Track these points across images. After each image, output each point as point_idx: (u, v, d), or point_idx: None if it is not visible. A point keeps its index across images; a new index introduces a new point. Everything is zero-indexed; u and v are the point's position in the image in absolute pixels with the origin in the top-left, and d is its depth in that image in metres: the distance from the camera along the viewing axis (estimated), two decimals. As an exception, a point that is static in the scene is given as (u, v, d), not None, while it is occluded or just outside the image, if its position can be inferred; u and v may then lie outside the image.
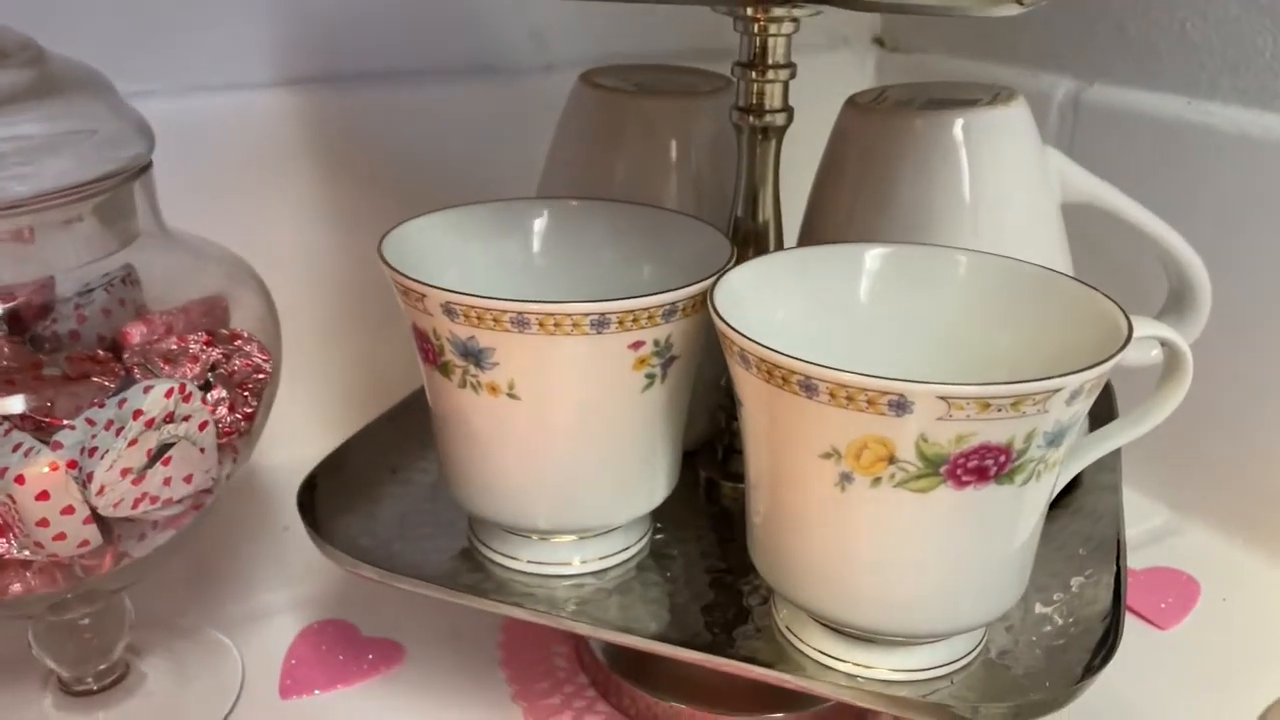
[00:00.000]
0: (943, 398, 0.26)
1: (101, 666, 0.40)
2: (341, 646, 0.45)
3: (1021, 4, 0.26)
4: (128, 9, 0.49)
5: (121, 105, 0.35)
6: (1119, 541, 0.36)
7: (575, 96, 0.44)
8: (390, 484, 0.41)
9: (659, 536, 0.39)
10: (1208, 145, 0.49)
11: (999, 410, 0.26)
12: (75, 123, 0.33)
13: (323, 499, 0.39)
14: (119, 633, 0.40)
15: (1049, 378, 0.26)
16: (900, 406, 0.26)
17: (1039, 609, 0.34)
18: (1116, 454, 0.42)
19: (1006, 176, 0.39)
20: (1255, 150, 0.47)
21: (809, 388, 0.27)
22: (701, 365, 0.36)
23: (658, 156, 0.43)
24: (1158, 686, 0.42)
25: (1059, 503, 0.40)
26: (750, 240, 0.39)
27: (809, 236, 0.42)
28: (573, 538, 0.37)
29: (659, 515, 0.40)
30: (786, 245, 0.40)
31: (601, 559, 0.37)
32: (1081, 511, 0.39)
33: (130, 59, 0.48)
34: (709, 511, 0.42)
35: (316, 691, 0.42)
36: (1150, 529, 0.53)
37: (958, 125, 0.38)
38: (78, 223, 0.34)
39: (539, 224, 0.39)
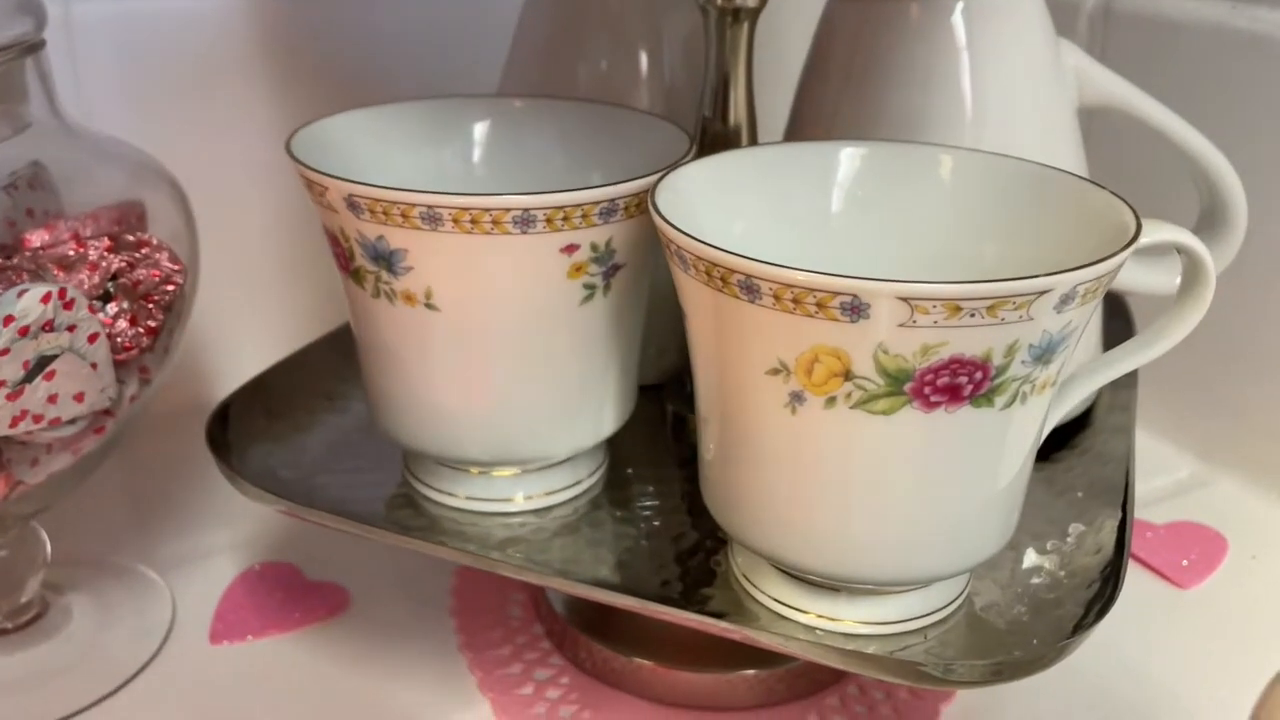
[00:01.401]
0: (904, 298, 0.22)
1: (18, 603, 0.38)
2: (282, 590, 0.41)
3: None
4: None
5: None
6: (1127, 485, 0.32)
7: (535, -11, 0.40)
8: (324, 413, 0.38)
9: (615, 474, 0.35)
10: (1254, 53, 0.44)
11: (972, 315, 0.22)
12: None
13: (240, 426, 0.35)
14: (31, 566, 0.37)
15: (1032, 277, 0.22)
16: (854, 310, 0.22)
17: (1031, 558, 0.30)
18: (1131, 392, 0.37)
19: (1014, 73, 0.34)
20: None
21: (750, 289, 0.23)
22: (661, 283, 0.32)
23: (625, 57, 0.38)
24: (1178, 651, 0.38)
25: (1066, 443, 0.36)
26: (720, 145, 0.35)
27: (793, 138, 0.37)
28: (514, 471, 0.33)
29: (619, 452, 0.36)
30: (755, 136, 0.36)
31: (547, 495, 0.34)
32: (1089, 453, 0.35)
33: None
34: (675, 450, 0.38)
35: (249, 637, 0.39)
36: (1176, 480, 0.48)
37: (957, 11, 0.34)
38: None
39: (480, 128, 0.35)
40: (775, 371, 0.24)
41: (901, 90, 0.35)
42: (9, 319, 0.28)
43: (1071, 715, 0.35)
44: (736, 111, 0.34)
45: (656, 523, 0.33)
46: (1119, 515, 0.31)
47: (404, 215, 0.27)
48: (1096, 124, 0.37)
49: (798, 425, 0.25)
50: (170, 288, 0.34)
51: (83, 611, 0.40)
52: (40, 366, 0.29)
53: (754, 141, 0.35)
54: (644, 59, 0.39)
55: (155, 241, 0.34)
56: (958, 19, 0.34)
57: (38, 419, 0.30)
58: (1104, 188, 0.27)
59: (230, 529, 0.45)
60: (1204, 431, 0.49)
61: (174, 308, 0.34)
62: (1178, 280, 0.34)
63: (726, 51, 0.33)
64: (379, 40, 0.51)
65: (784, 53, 0.37)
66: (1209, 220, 0.38)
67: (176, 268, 0.34)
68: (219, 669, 0.38)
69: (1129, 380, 0.39)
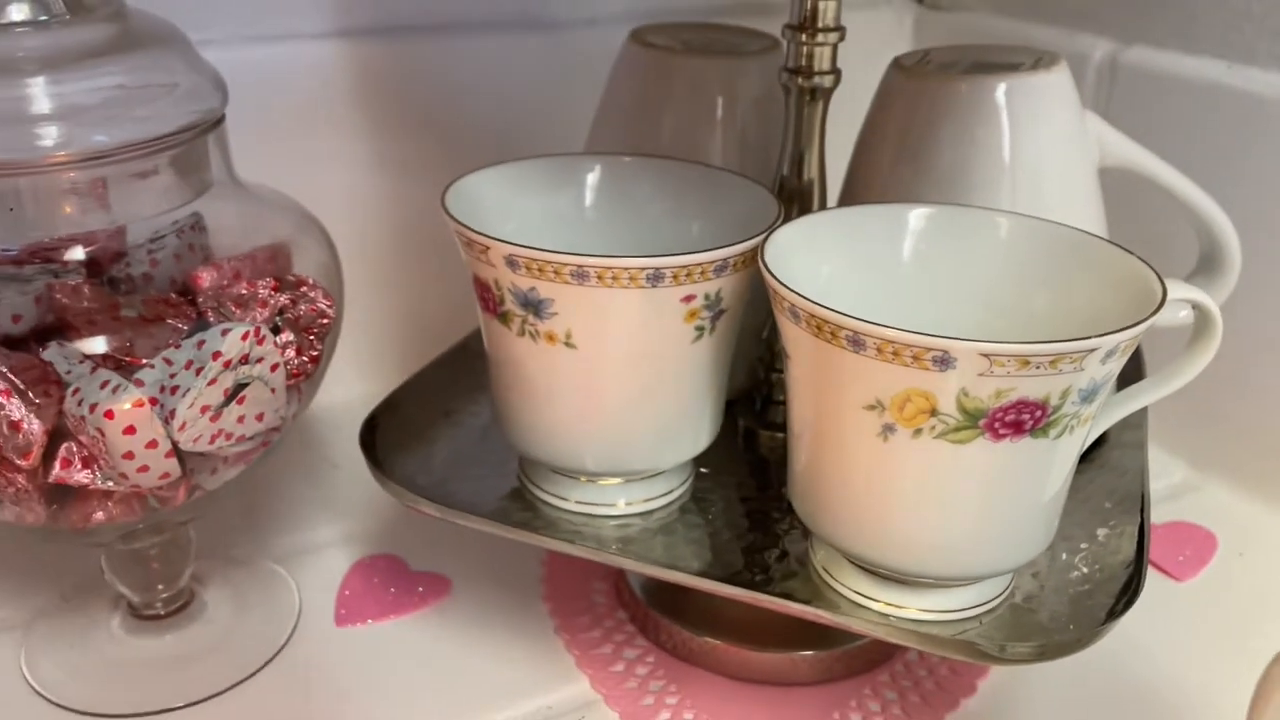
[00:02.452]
0: (985, 354, 0.27)
1: (169, 593, 0.43)
2: (392, 579, 0.47)
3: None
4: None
5: (197, 59, 0.36)
6: (1143, 496, 0.38)
7: (625, 54, 0.45)
8: (444, 426, 0.43)
9: (700, 482, 0.41)
10: (1247, 110, 0.50)
11: (1037, 367, 0.28)
12: (154, 76, 0.34)
13: (381, 439, 0.41)
14: (184, 562, 0.42)
15: (1086, 337, 0.28)
16: (944, 362, 0.28)
17: (1065, 558, 0.36)
18: (1143, 412, 0.43)
19: (1046, 140, 0.40)
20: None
21: (857, 343, 0.29)
22: (743, 319, 0.38)
23: (704, 115, 0.44)
24: (1174, 635, 0.44)
25: (1086, 457, 0.42)
26: (795, 198, 0.40)
27: (850, 194, 0.43)
28: (619, 480, 0.39)
29: (701, 462, 0.41)
30: (829, 204, 0.41)
31: (646, 501, 0.39)
32: (1107, 466, 0.41)
33: (189, 8, 0.50)
34: (747, 459, 0.43)
35: (370, 621, 0.44)
36: (1170, 484, 0.54)
37: (1000, 90, 0.39)
38: (154, 174, 0.36)
39: (592, 178, 0.41)
40: (871, 407, 0.30)
41: (948, 154, 0.40)
42: (217, 354, 0.34)
43: (1085, 691, 0.41)
44: (810, 171, 0.40)
45: (742, 523, 0.39)
46: (1138, 520, 0.37)
47: (556, 272, 0.33)
48: (1112, 179, 0.43)
49: (887, 451, 0.30)
50: (325, 321, 0.39)
51: (220, 600, 0.45)
52: (235, 392, 0.35)
53: (824, 194, 0.41)
54: (721, 115, 0.44)
55: (311, 281, 0.39)
56: (1000, 95, 0.39)
57: (229, 437, 0.35)
58: (1134, 254, 0.32)
59: (336, 525, 0.50)
60: (1195, 441, 0.55)
61: (327, 338, 0.39)
62: (1180, 315, 0.40)
63: (804, 123, 0.39)
64: (468, 87, 0.56)
65: (834, 115, 0.42)
66: (1207, 263, 0.44)
67: (329, 303, 0.39)
68: (347, 649, 0.43)
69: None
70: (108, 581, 0.41)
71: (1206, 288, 0.43)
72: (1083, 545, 0.36)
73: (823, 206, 0.41)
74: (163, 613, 0.43)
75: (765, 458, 0.44)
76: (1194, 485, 0.54)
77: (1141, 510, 0.37)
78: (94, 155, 0.33)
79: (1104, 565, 0.35)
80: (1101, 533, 0.37)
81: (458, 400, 0.45)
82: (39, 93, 0.32)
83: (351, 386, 0.53)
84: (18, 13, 0.33)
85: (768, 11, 0.47)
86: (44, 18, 0.33)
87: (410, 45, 0.55)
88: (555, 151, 0.41)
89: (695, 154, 0.44)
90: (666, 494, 0.40)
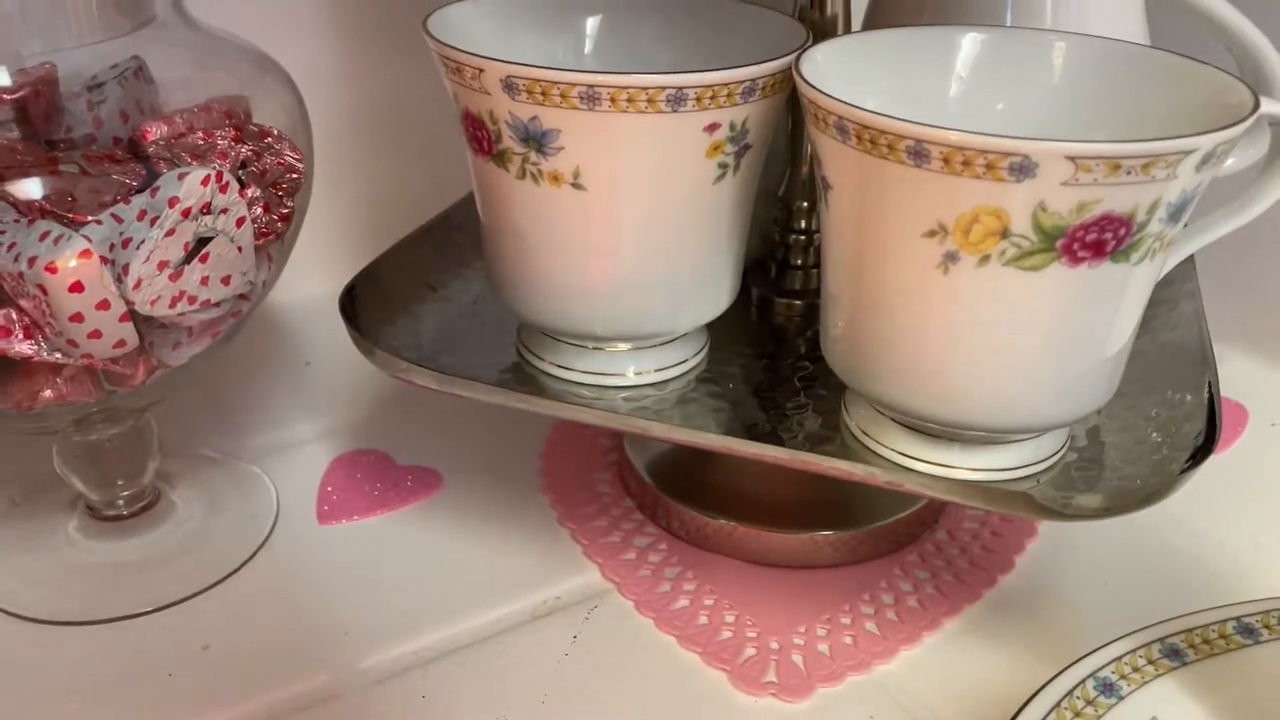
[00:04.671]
0: (1071, 157, 0.24)
1: (131, 491, 0.39)
2: (377, 474, 0.43)
3: None
4: None
5: None
6: (1205, 346, 0.35)
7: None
8: (430, 300, 0.39)
9: (714, 353, 0.38)
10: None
11: (1128, 173, 0.24)
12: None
13: (363, 311, 0.36)
14: (147, 455, 0.38)
15: (1185, 136, 0.24)
16: (1022, 170, 0.24)
17: (1124, 415, 0.33)
18: (1190, 263, 0.40)
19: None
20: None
21: (919, 154, 0.25)
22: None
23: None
24: (1212, 508, 0.41)
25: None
26: (819, 34, 0.36)
27: (875, 27, 0.39)
28: (628, 347, 0.35)
29: (714, 331, 0.38)
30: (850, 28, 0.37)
31: (659, 370, 0.36)
32: (1156, 321, 0.38)
33: None
34: (764, 329, 0.40)
35: (356, 517, 0.41)
36: (1192, 360, 0.52)
37: (1042, -99, 0.35)
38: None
39: (591, 21, 0.36)
40: (931, 233, 0.26)
41: (984, -21, 0.36)
42: (174, 200, 0.29)
43: (1125, 564, 0.39)
44: (834, 3, 0.36)
45: (765, 391, 0.36)
46: (1203, 370, 0.34)
47: (562, 95, 0.28)
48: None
49: (948, 284, 0.27)
50: (294, 176, 0.35)
51: (190, 500, 0.41)
52: (197, 248, 0.31)
53: (849, 30, 0.37)
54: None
55: (276, 132, 0.35)
56: (1041, -93, 0.35)
57: (192, 300, 0.31)
58: (1213, 65, 0.29)
59: (312, 422, 0.46)
60: (1217, 314, 0.52)
61: (297, 196, 0.35)
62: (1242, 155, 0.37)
63: (828, -58, 0.35)
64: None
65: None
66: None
67: (298, 157, 0.35)
68: (332, 547, 0.39)
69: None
70: (62, 477, 0.37)
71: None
72: (1142, 403, 0.33)
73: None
74: (125, 513, 0.39)
75: (783, 326, 0.40)
76: (1221, 357, 0.51)
77: (1206, 359, 0.34)
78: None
79: (1166, 421, 0.32)
80: (1164, 390, 0.34)
81: (444, 274, 0.41)
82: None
83: (314, 280, 0.48)
84: None
85: None
86: None
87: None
88: None
89: None
90: (680, 363, 0.36)
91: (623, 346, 0.35)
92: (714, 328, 0.37)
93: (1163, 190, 0.25)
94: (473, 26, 0.34)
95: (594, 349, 0.35)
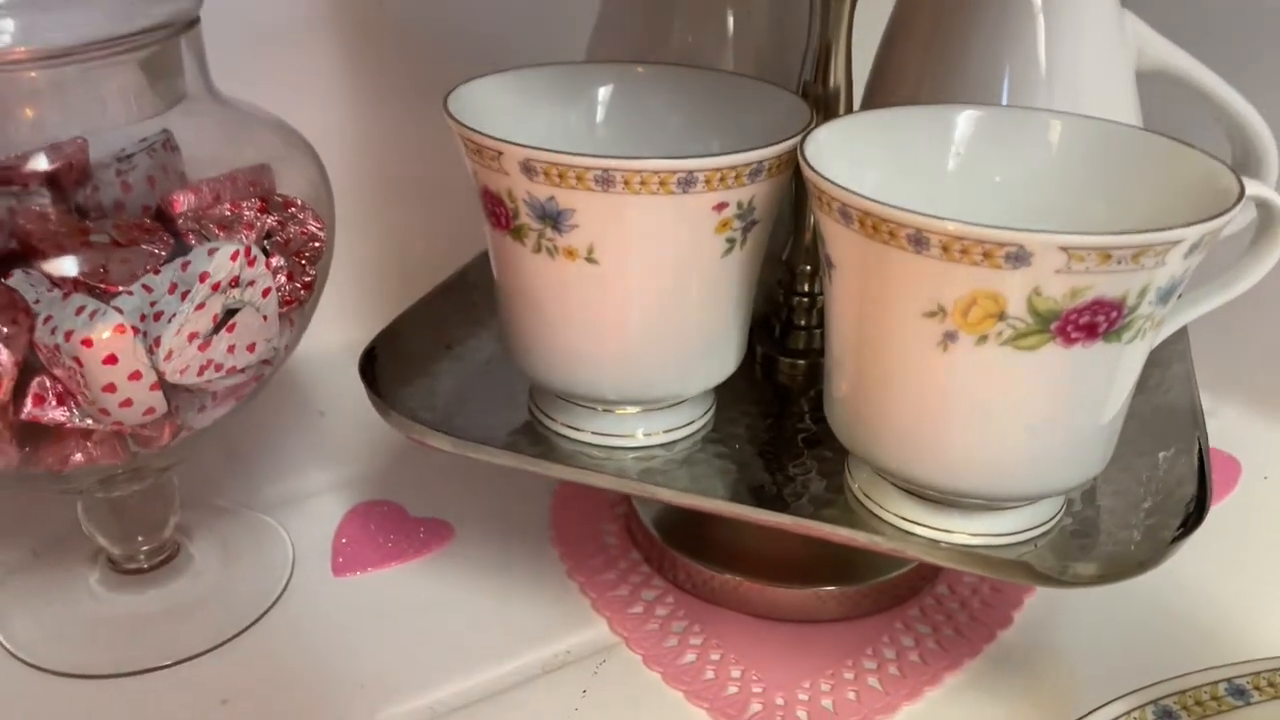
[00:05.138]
0: (1064, 248, 0.25)
1: (151, 545, 0.40)
2: (390, 526, 0.44)
3: None
4: None
5: (168, -51, 0.33)
6: (1195, 408, 0.36)
7: (628, -45, 0.42)
8: (445, 360, 0.40)
9: (720, 413, 0.39)
10: (1273, 10, 0.48)
11: (1119, 262, 0.25)
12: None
13: (381, 372, 0.38)
14: (168, 510, 0.40)
15: (1173, 228, 0.25)
16: (1018, 259, 0.25)
17: (1119, 478, 0.34)
18: (1182, 330, 0.41)
19: (1085, 41, 0.38)
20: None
21: (919, 241, 0.26)
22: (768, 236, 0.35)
23: (716, 20, 0.41)
24: (1206, 561, 0.42)
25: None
26: (820, 107, 0.38)
27: (875, 101, 0.40)
28: (637, 410, 0.36)
29: (718, 391, 0.39)
30: (854, 108, 0.39)
31: (667, 432, 0.37)
32: (1149, 384, 0.39)
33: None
34: (768, 388, 0.41)
35: (370, 569, 0.42)
36: (1187, 410, 0.53)
37: (1037, -18, 0.37)
38: (121, 78, 0.32)
39: (603, 89, 0.38)
40: (931, 314, 0.27)
41: (981, 53, 0.38)
42: (204, 275, 0.31)
43: (1120, 619, 0.40)
44: (836, 76, 0.37)
45: (770, 452, 0.37)
46: (1193, 436, 0.35)
47: (578, 177, 0.30)
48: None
49: (947, 361, 0.28)
50: (316, 245, 0.36)
51: (207, 552, 0.42)
52: (225, 319, 0.32)
53: (850, 102, 0.38)
54: (732, 22, 0.41)
55: (300, 202, 0.36)
56: (1037, -9, 0.37)
57: (218, 368, 0.32)
58: (1200, 149, 0.30)
59: (326, 472, 0.47)
60: (1211, 365, 0.53)
61: (319, 264, 0.36)
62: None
63: (830, 21, 0.36)
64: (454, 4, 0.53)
65: (859, 16, 0.39)
66: (1241, 169, 0.42)
67: (319, 225, 0.36)
68: (347, 599, 0.40)
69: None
70: (86, 533, 0.38)
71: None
72: (1135, 465, 0.34)
73: (850, 109, 0.38)
74: (146, 566, 0.40)
75: (786, 385, 0.41)
76: (1212, 409, 0.53)
77: (1197, 424, 0.35)
78: (54, 53, 0.30)
79: (1160, 485, 0.33)
80: (1155, 453, 0.35)
81: (459, 332, 0.42)
82: (-7, -17, 0.28)
83: (330, 333, 0.50)
84: (-35, -108, 0.29)
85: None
86: (-6, -102, 0.29)
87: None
88: (556, 60, 0.38)
89: (707, 62, 0.41)
90: (688, 424, 0.37)
91: (632, 409, 0.36)
92: (720, 386, 0.38)
93: (1152, 276, 0.26)
94: (490, 100, 0.35)
95: (604, 411, 0.36)
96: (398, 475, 0.47)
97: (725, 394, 0.39)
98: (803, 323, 0.42)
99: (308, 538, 0.43)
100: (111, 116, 0.31)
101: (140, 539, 0.39)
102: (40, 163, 0.32)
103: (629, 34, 0.43)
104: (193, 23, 0.33)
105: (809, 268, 0.41)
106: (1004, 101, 0.37)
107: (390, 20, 0.52)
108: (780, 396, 0.41)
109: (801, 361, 0.41)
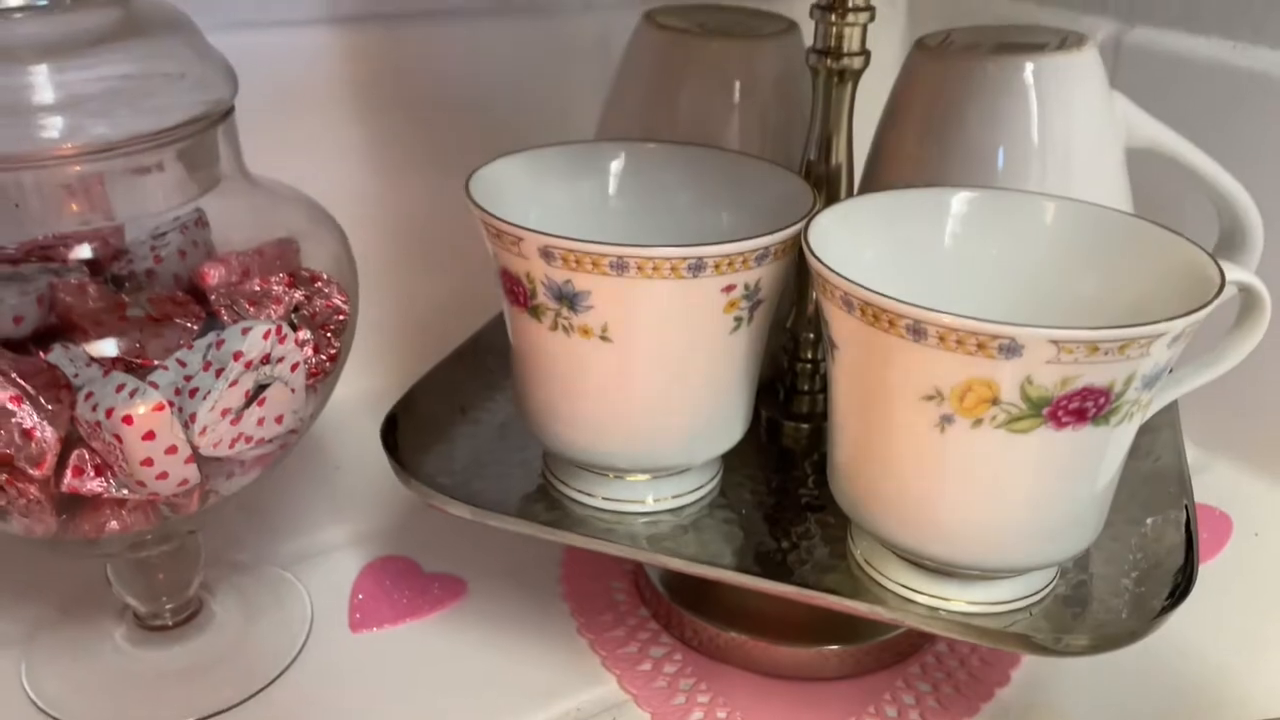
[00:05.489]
0: (1054, 341, 0.27)
1: (177, 603, 0.41)
2: (405, 582, 0.45)
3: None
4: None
5: (205, 46, 0.34)
6: (1184, 474, 0.38)
7: (639, 36, 0.44)
8: (461, 423, 0.42)
9: (727, 476, 0.40)
10: (1254, 89, 0.50)
11: (1106, 353, 0.27)
12: (162, 65, 0.33)
13: (402, 439, 0.39)
14: (193, 570, 0.41)
15: (1156, 322, 0.27)
16: (1010, 350, 0.27)
17: (1109, 546, 0.35)
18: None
19: (1075, 122, 0.39)
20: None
21: (917, 332, 0.28)
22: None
23: (723, 97, 0.43)
24: (1200, 619, 0.43)
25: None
26: (822, 183, 0.39)
27: (874, 176, 0.42)
28: (647, 476, 0.38)
29: (724, 455, 0.40)
30: (856, 186, 0.41)
31: (675, 497, 0.38)
32: (1139, 450, 0.40)
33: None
34: (772, 452, 0.43)
35: (386, 625, 0.43)
36: (1180, 466, 0.54)
37: (1029, 70, 0.39)
38: (161, 168, 0.34)
39: (615, 166, 0.39)
40: (929, 398, 0.29)
41: (976, 135, 0.39)
42: (238, 354, 0.32)
43: (1116, 675, 0.41)
44: (838, 154, 0.39)
45: (775, 517, 0.38)
46: (1183, 506, 0.36)
47: (594, 263, 0.31)
48: (1130, 158, 0.42)
49: (944, 442, 0.30)
50: (341, 318, 0.37)
51: (229, 608, 0.43)
52: (256, 394, 0.33)
53: (851, 178, 0.40)
54: (739, 98, 0.43)
55: (325, 276, 0.38)
56: (1029, 75, 0.39)
57: (249, 440, 0.34)
58: (1185, 237, 0.32)
59: (342, 527, 0.49)
60: (1203, 421, 0.55)
61: (344, 335, 0.38)
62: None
63: (833, 106, 0.38)
64: (464, 72, 0.55)
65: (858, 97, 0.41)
66: (1228, 241, 0.44)
67: (344, 299, 0.38)
68: (363, 656, 0.42)
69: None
70: (114, 592, 0.40)
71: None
72: (1126, 531, 0.36)
73: (850, 189, 0.40)
74: (170, 623, 0.41)
75: (790, 449, 0.43)
76: (1204, 465, 0.54)
77: (1185, 493, 0.37)
78: (99, 148, 0.31)
79: (1150, 552, 0.35)
80: (1144, 519, 0.36)
81: (473, 396, 0.43)
82: (41, 82, 0.30)
83: (344, 388, 0.51)
84: (17, -4, 0.31)
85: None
86: (46, 3, 0.31)
87: (403, 30, 0.54)
88: (565, 137, 0.40)
89: (713, 137, 0.43)
90: (696, 489, 0.39)
91: (642, 476, 0.38)
92: (727, 451, 0.40)
93: (1138, 365, 0.28)
94: (508, 179, 0.37)
95: (615, 478, 0.38)
96: (412, 530, 0.49)
97: (732, 458, 0.40)
98: (806, 388, 0.43)
99: (325, 593, 0.45)
100: (150, 204, 0.33)
101: (166, 598, 0.41)
102: (83, 251, 0.33)
103: (640, 101, 0.44)
104: (228, 112, 0.35)
105: (812, 335, 0.42)
106: (998, 179, 0.39)
107: (409, 95, 0.54)
108: (784, 460, 0.42)
109: (805, 426, 0.43)
